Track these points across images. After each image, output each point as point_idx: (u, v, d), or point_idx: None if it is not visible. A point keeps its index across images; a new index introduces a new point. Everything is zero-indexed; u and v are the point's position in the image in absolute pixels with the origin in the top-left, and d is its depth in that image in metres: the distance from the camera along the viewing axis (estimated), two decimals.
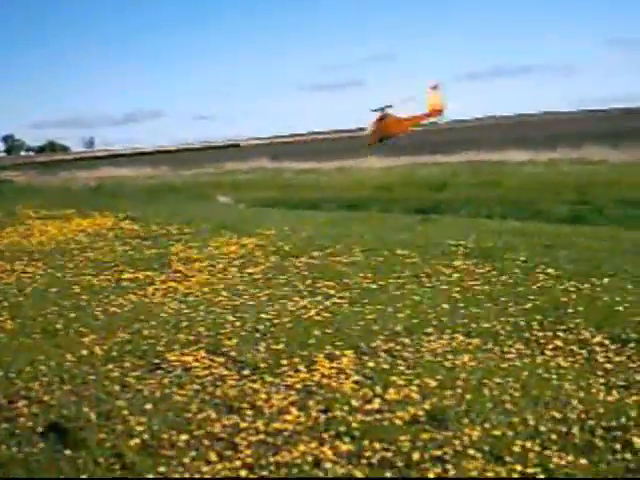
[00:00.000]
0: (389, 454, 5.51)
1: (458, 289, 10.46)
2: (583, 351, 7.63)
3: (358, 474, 5.29)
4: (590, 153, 39.48)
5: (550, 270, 11.18)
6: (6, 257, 15.04)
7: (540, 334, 8.18)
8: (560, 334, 8.14)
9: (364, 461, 5.46)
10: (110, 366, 7.74)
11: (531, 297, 9.68)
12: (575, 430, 5.72)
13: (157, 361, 7.90)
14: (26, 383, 7.29)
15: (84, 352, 8.25)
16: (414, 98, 51.94)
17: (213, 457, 5.60)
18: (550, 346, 7.78)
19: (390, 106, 53.23)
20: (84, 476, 5.45)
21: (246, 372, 7.39)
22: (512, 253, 12.70)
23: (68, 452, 5.76)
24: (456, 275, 11.35)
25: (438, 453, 5.48)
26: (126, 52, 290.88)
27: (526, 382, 6.71)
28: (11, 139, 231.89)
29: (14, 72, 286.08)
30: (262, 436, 5.95)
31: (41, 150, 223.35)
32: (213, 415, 6.35)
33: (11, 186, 48.12)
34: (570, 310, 8.95)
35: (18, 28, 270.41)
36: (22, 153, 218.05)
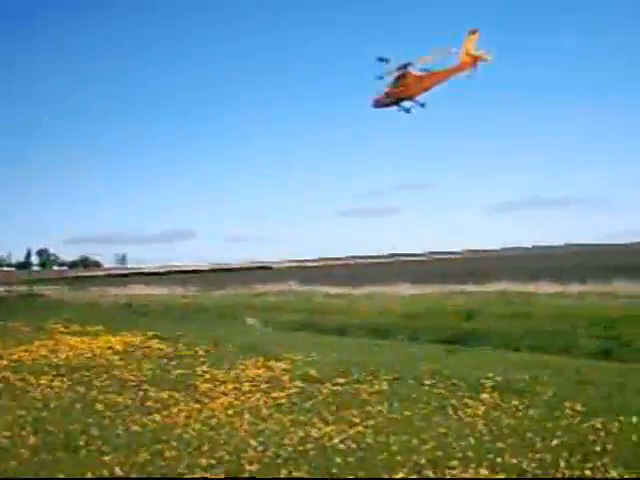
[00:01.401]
0: None
1: (484, 422, 10.32)
2: None
3: None
4: (620, 287, 39.31)
5: (578, 406, 11.02)
6: (33, 371, 15.09)
7: (567, 472, 8.01)
8: (587, 472, 7.98)
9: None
10: None
11: (558, 433, 9.52)
12: None
13: None
14: None
15: (105, 472, 8.19)
16: (450, 51, 39.50)
17: None
18: None
19: (410, 64, 41.83)
20: None
21: None
22: (540, 387, 12.56)
23: None
24: (482, 408, 11.21)
25: None
26: (161, 173, 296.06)
27: None
28: (45, 253, 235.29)
29: (52, 188, 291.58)
30: None
31: (74, 265, 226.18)
32: None
33: (43, 300, 48.58)
34: (597, 448, 8.78)
35: (57, 149, 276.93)
36: (55, 267, 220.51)
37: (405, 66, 42.19)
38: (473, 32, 38.46)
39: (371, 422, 10.43)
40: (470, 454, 8.72)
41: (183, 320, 29.41)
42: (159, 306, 40.48)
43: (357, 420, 10.58)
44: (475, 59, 37.69)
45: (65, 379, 14.30)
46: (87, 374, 14.79)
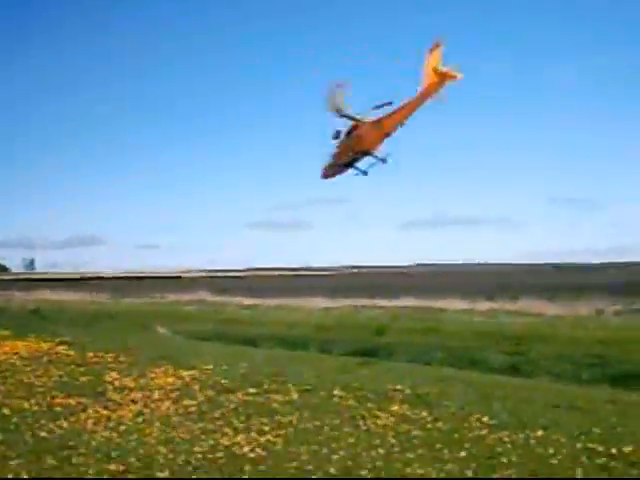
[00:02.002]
0: None
1: (394, 434, 10.43)
2: None
3: None
4: (527, 306, 40.14)
5: (485, 419, 11.22)
6: None
7: None
8: None
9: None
10: None
11: (466, 445, 9.68)
12: None
13: None
14: None
15: (10, 476, 8.05)
16: (391, 103, 28.62)
17: None
18: None
19: (389, 102, 29.32)
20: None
21: None
22: (448, 400, 12.74)
23: None
24: (392, 419, 11.33)
25: None
26: (71, 178, 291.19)
27: None
28: None
29: None
30: None
31: None
32: None
33: None
34: (504, 460, 8.96)
35: None
36: None
37: (356, 120, 31.38)
38: (437, 45, 27.74)
39: (281, 431, 10.46)
40: (379, 464, 8.82)
41: (92, 327, 29.04)
42: (68, 312, 39.91)
43: (267, 429, 10.60)
44: (443, 77, 27.13)
45: None
46: None
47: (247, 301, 49.92)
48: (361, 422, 11.22)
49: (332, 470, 8.50)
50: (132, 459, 8.80)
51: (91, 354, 18.17)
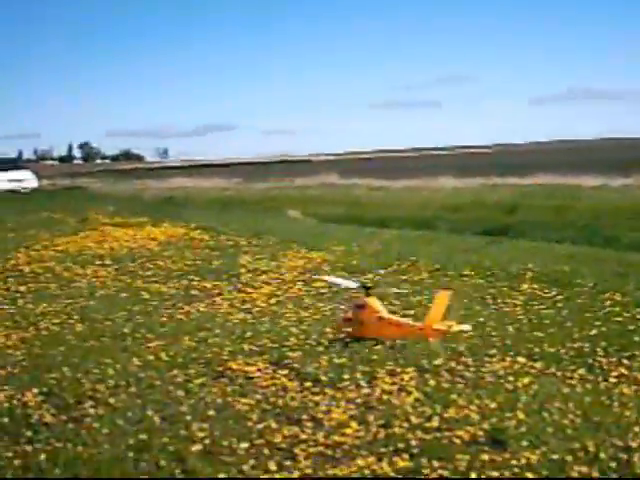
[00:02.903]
0: (446, 472, 5.52)
1: (523, 312, 10.41)
2: None
3: None
4: None
5: (617, 297, 11.05)
6: (78, 261, 15.38)
7: (604, 360, 8.08)
8: (625, 361, 8.04)
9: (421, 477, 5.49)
10: (175, 372, 7.88)
11: (597, 323, 9.57)
12: (636, 458, 5.64)
13: (221, 369, 8.02)
14: (93, 385, 7.47)
15: (150, 357, 8.42)
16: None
17: (272, 466, 5.66)
18: (614, 373, 7.69)
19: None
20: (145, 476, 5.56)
21: (308, 384, 7.45)
22: (581, 279, 12.58)
23: (131, 454, 5.85)
24: (522, 298, 11.29)
25: (495, 474, 5.47)
26: (202, 66, 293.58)
27: (588, 408, 6.64)
28: (88, 146, 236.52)
29: (91, 81, 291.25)
30: (321, 448, 6.01)
31: (116, 158, 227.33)
32: (274, 425, 6.42)
33: (86, 193, 49.07)
34: (636, 338, 8.82)
35: (98, 42, 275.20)
36: (98, 161, 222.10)
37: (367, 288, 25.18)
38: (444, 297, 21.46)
39: (411, 312, 10.53)
40: (508, 342, 8.82)
41: (225, 212, 29.62)
42: (201, 198, 40.72)
43: (396, 309, 10.69)
44: (442, 333, 21.79)
45: (110, 269, 14.57)
46: (131, 264, 15.04)
47: (376, 183, 49.78)
48: (491, 301, 11.23)
49: (461, 348, 8.55)
50: (265, 340, 9.05)
51: (224, 238, 18.62)
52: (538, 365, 7.98)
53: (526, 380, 7.42)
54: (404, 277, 13.25)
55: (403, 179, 49.51)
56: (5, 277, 13.96)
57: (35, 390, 7.28)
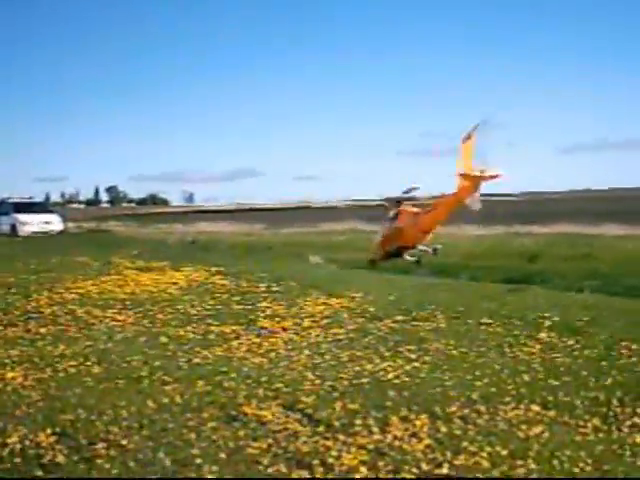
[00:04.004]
0: None
1: (540, 361, 10.40)
2: None
3: None
4: None
5: (635, 346, 11.02)
6: (99, 305, 15.49)
7: (619, 410, 8.07)
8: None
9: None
10: (189, 415, 7.93)
11: (613, 372, 9.55)
12: None
13: (234, 413, 8.06)
14: (107, 426, 7.53)
15: (165, 400, 8.48)
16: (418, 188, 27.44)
17: None
18: (628, 423, 7.68)
19: (417, 188, 27.72)
20: None
21: (320, 429, 7.49)
22: (599, 328, 12.54)
23: None
24: (539, 347, 11.28)
25: None
26: (229, 112, 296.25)
27: (599, 457, 6.64)
28: (114, 190, 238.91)
29: (120, 125, 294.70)
30: None
31: (142, 202, 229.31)
32: (284, 469, 6.46)
33: (110, 236, 49.47)
34: None
35: (126, 87, 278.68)
36: (124, 204, 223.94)
37: (408, 191, 27.67)
38: (468, 137, 24.09)
39: (427, 358, 10.57)
40: (523, 391, 8.82)
41: (247, 257, 29.77)
42: (224, 243, 40.98)
43: (413, 356, 10.72)
44: (477, 181, 23.65)
45: (130, 313, 14.68)
46: (152, 308, 15.14)
47: None
48: (507, 349, 11.21)
49: (474, 396, 8.56)
50: (280, 384, 9.10)
51: (245, 283, 18.71)
52: (551, 414, 7.98)
53: (538, 428, 7.43)
54: (423, 324, 13.25)
55: None
56: (26, 318, 14.09)
57: (49, 431, 7.36)
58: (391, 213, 27.80)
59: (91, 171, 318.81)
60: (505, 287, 19.29)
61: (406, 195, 27.62)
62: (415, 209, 27.35)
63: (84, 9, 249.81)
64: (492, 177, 23.59)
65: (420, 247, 26.42)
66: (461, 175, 24.03)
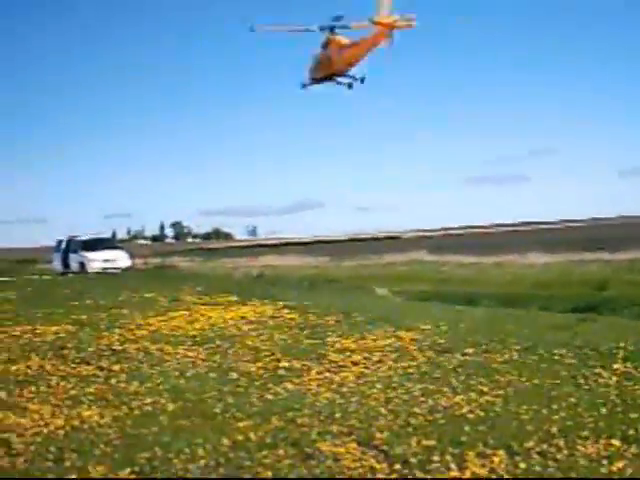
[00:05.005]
0: None
1: (617, 393, 10.21)
2: None
3: None
4: None
5: None
6: (170, 341, 15.62)
7: None
8: None
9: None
10: (264, 452, 7.93)
11: None
12: None
13: (309, 450, 8.04)
14: (184, 464, 7.57)
15: (240, 437, 8.50)
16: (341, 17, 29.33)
17: None
18: None
19: (341, 17, 29.29)
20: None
21: (397, 466, 7.43)
22: None
23: None
24: (615, 378, 11.08)
25: None
26: (289, 146, 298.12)
27: None
28: (179, 226, 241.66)
29: (183, 161, 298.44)
30: None
31: (207, 237, 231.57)
32: None
33: (177, 272, 49.94)
34: None
35: (189, 125, 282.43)
36: (189, 240, 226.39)
37: (331, 27, 29.40)
38: None
39: (500, 391, 10.45)
40: (602, 424, 8.66)
41: (313, 290, 29.84)
42: (290, 276, 41.09)
43: (486, 389, 10.61)
44: (389, 27, 25.88)
45: (201, 349, 14.77)
46: (221, 344, 15.22)
47: (465, 259, 49.64)
48: (582, 381, 11.04)
49: (553, 430, 8.43)
50: (353, 421, 9.07)
51: (313, 317, 18.72)
52: (633, 449, 7.81)
53: (620, 464, 7.28)
54: (494, 356, 13.12)
55: (493, 255, 49.27)
56: (99, 356, 14.26)
57: (128, 469, 7.42)
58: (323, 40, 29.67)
59: (156, 207, 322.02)
60: (575, 316, 19.03)
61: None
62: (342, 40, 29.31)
63: (149, 52, 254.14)
64: (406, 25, 25.81)
65: None
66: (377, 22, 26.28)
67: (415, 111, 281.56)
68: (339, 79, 29.91)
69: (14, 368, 13.25)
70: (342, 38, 29.25)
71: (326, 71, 29.73)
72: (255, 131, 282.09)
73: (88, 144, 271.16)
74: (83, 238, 49.87)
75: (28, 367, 13.33)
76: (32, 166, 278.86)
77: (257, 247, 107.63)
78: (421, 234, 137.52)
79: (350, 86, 29.52)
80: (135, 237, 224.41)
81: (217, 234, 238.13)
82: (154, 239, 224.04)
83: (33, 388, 11.57)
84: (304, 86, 30.72)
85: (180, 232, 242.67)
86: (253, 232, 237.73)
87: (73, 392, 11.27)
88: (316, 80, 30.45)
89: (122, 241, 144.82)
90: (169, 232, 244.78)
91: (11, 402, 10.70)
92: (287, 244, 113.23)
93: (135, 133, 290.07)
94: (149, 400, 10.52)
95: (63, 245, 49.49)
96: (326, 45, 29.47)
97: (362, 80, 29.15)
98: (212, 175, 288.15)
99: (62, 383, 11.96)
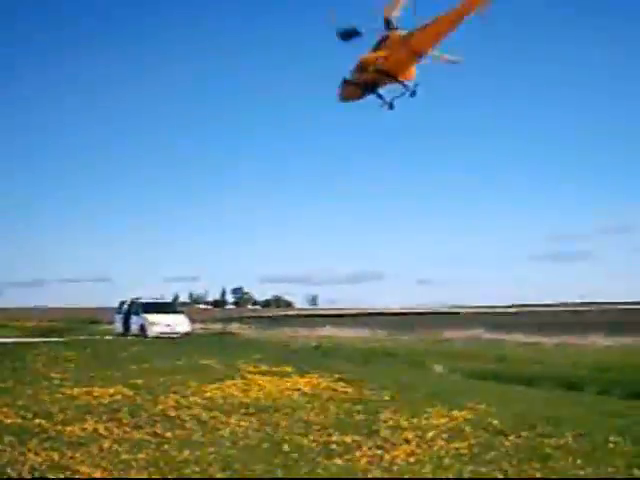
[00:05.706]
0: None
1: None
2: None
3: None
4: None
5: None
6: (224, 410, 15.71)
7: None
8: None
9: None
10: None
11: None
12: None
13: None
14: None
15: None
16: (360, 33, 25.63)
17: None
18: None
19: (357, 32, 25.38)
20: None
21: None
22: None
23: None
24: None
25: None
26: (350, 216, 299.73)
27: None
28: (240, 292, 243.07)
29: (244, 227, 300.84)
30: None
31: (267, 304, 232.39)
32: None
33: (235, 339, 50.14)
34: None
35: (254, 193, 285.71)
36: (249, 306, 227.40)
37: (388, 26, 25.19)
38: None
39: (553, 477, 10.32)
40: None
41: (370, 364, 29.74)
42: (346, 349, 40.98)
43: (539, 474, 10.49)
44: None
45: (253, 419, 14.83)
46: (274, 415, 15.26)
47: (525, 338, 49.08)
48: (637, 471, 10.84)
49: None
50: None
51: (367, 392, 18.68)
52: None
53: None
54: (548, 440, 12.94)
55: (553, 335, 48.66)
56: (153, 421, 14.39)
57: None
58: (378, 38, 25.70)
59: (220, 271, 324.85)
60: (635, 403, 18.70)
61: None
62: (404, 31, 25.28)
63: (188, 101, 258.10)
64: None
65: None
66: None
67: (480, 182, 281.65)
68: (388, 83, 25.88)
69: (68, 429, 13.45)
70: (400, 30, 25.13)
71: (382, 71, 25.12)
72: (319, 200, 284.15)
73: (152, 209, 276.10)
74: (145, 301, 50.22)
75: (82, 429, 13.50)
76: (100, 227, 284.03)
77: (316, 317, 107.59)
78: (481, 310, 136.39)
79: (391, 106, 26.01)
80: (196, 301, 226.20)
81: (277, 301, 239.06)
82: (215, 304, 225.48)
83: (85, 451, 11.71)
84: (342, 98, 26.85)
85: (240, 298, 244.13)
86: (313, 301, 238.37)
87: (125, 457, 11.38)
88: (359, 86, 26.08)
89: (184, 304, 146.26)
90: (230, 298, 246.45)
91: (63, 464, 10.84)
92: (346, 315, 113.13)
93: (200, 199, 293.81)
94: (198, 469, 10.59)
95: (125, 307, 49.89)
96: (379, 43, 25.45)
97: (413, 93, 25.45)
98: (275, 242, 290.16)
99: (114, 447, 12.10)
